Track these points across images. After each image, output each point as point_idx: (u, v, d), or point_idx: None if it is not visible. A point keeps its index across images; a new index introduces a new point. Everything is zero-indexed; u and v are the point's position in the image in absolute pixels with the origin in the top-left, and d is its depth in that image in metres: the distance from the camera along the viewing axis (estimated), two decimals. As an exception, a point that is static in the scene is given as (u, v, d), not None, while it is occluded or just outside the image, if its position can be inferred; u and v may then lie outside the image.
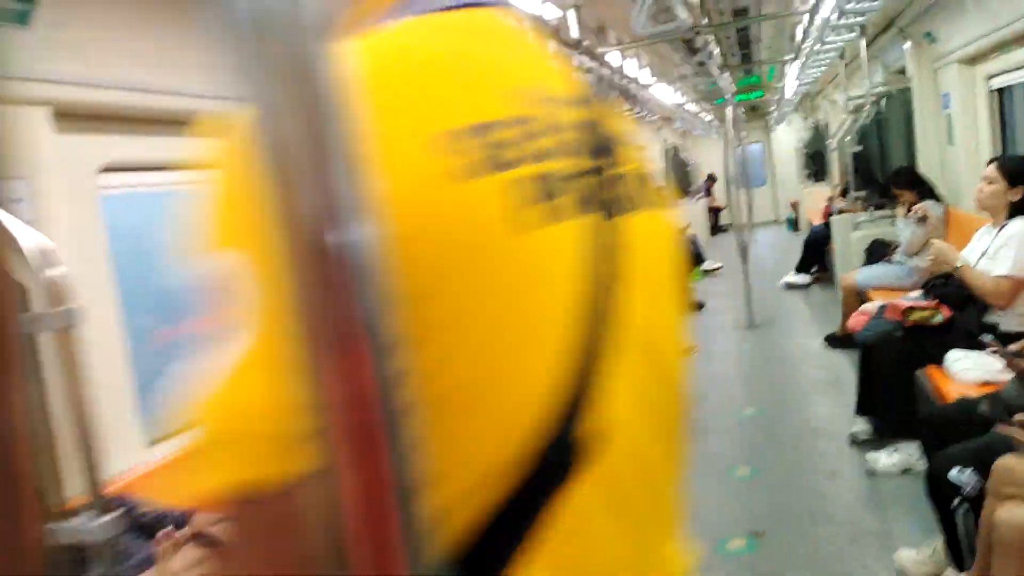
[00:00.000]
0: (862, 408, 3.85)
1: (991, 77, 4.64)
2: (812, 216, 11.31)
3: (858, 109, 7.46)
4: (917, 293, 3.65)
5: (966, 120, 4.93)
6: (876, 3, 4.13)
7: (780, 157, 16.54)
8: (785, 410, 4.54)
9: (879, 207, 6.36)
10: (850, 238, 5.86)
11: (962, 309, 3.40)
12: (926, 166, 5.48)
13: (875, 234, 5.75)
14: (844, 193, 7.68)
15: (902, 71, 6.29)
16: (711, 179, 15.77)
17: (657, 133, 12.42)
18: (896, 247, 5.41)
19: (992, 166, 3.32)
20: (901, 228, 5.29)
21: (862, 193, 6.03)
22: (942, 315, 3.42)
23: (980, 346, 3.26)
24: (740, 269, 6.90)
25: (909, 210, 5.27)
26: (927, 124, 5.51)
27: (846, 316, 5.52)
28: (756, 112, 16.30)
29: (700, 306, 7.91)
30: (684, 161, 13.88)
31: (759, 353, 5.87)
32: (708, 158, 15.54)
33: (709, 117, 13.59)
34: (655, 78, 6.67)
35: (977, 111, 4.85)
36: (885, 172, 6.72)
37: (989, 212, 3.34)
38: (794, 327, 6.63)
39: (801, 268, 8.37)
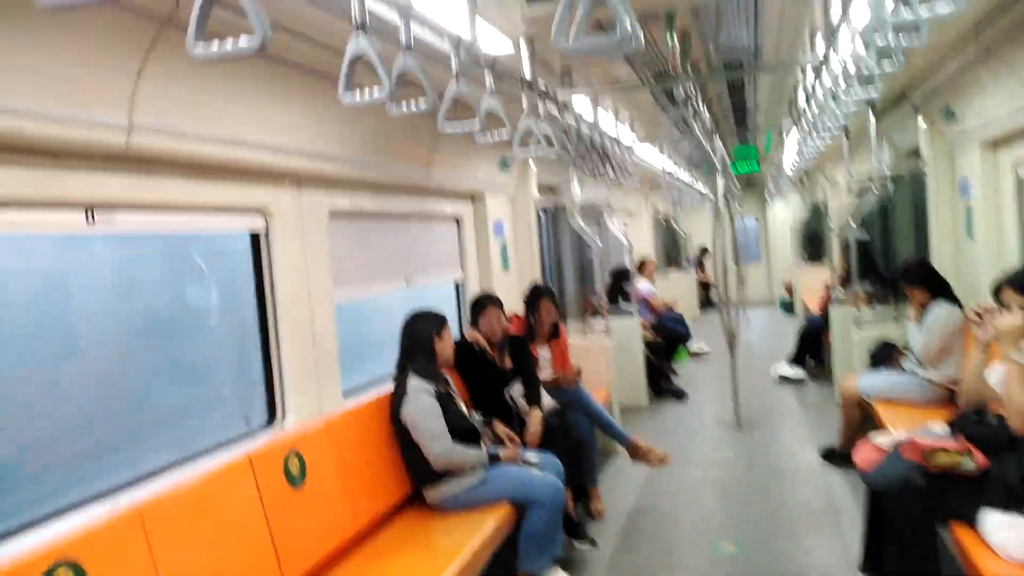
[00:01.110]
0: (869, 564, 3.04)
1: (1020, 165, 3.98)
2: (808, 301, 10.63)
3: (863, 191, 6.83)
4: (941, 429, 2.87)
5: (988, 211, 4.25)
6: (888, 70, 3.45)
7: (776, 234, 15.95)
8: (771, 549, 3.72)
9: (881, 301, 5.67)
10: (851, 336, 5.12)
11: (999, 456, 2.63)
12: (939, 261, 4.79)
13: (880, 334, 5.01)
14: (844, 282, 6.99)
15: (915, 152, 5.67)
16: (703, 252, 15.18)
17: (646, 200, 11.83)
18: (905, 352, 4.68)
19: (1007, 289, 2.60)
20: (912, 331, 4.56)
21: (867, 286, 5.32)
22: (975, 462, 2.65)
23: (1020, 505, 2.50)
24: (727, 354, 6.15)
25: (922, 310, 4.56)
26: (942, 213, 4.84)
27: (847, 428, 4.76)
28: (752, 186, 15.78)
29: (682, 395, 7.13)
30: (675, 232, 13.28)
31: (744, 465, 5.06)
32: (701, 231, 14.94)
33: (703, 189, 13.03)
34: (635, 135, 6.02)
35: (1002, 201, 4.17)
36: (889, 263, 6.05)
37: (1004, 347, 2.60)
38: (786, 432, 5.84)
39: (795, 360, 7.62)
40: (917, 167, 5.23)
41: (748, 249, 15.35)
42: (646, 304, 8.31)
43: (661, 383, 7.21)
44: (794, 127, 6.75)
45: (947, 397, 4.41)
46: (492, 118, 2.82)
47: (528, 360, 4.21)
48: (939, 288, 4.51)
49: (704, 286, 14.93)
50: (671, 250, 14.35)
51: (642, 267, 8.57)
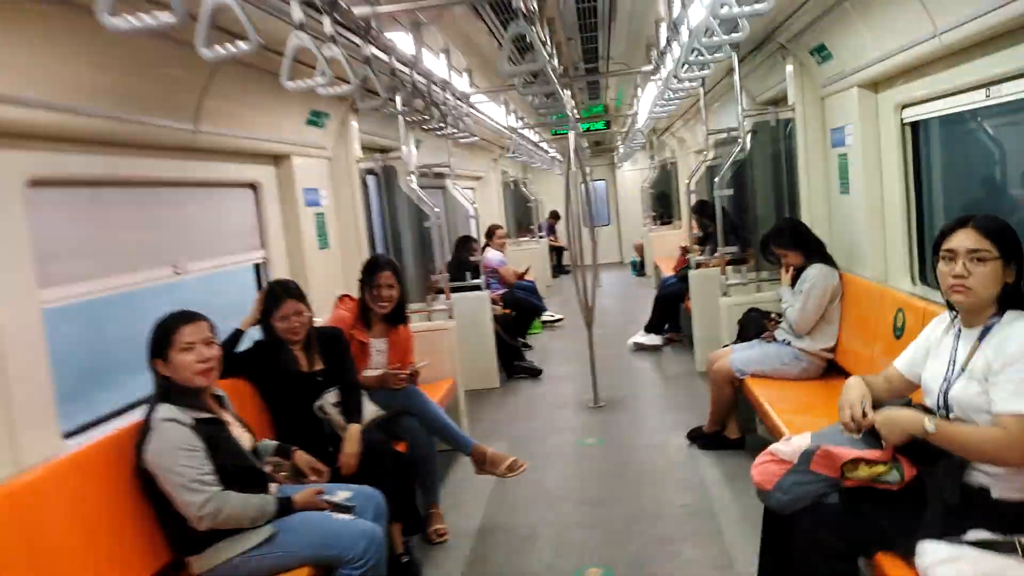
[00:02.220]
0: (766, 597, 2.46)
1: (905, 107, 3.52)
2: (661, 264, 10.36)
3: (720, 144, 6.39)
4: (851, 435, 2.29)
5: (867, 161, 3.80)
6: (764, 5, 2.80)
7: (625, 196, 15.80)
8: (647, 572, 3.10)
9: (738, 262, 5.23)
10: (719, 306, 4.61)
11: (932, 465, 2.08)
12: (811, 220, 4.35)
13: (749, 302, 4.53)
14: (702, 243, 6.58)
15: (772, 102, 5.23)
16: (554, 217, 14.74)
17: (495, 164, 11.11)
18: (778, 322, 4.21)
19: (972, 232, 2.01)
20: (785, 297, 4.09)
21: (734, 249, 4.82)
22: (901, 472, 2.09)
23: (962, 527, 1.96)
24: (584, 330, 5.55)
25: (796, 275, 4.09)
26: (812, 166, 4.39)
27: (718, 408, 4.26)
28: (600, 148, 15.49)
29: (537, 373, 6.50)
30: (525, 197, 12.69)
31: (607, 457, 4.46)
32: (551, 195, 14.47)
33: (552, 151, 12.49)
34: (474, 88, 5.21)
35: (883, 150, 3.73)
36: (745, 222, 5.64)
37: (971, 307, 2.05)
38: (649, 410, 5.32)
39: (652, 328, 7.19)
40: (773, 119, 4.75)
41: (598, 212, 15.03)
42: (496, 275, 7.60)
43: (514, 361, 6.54)
44: (650, 80, 6.20)
45: (824, 368, 3.99)
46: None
47: (345, 360, 3.34)
48: (813, 250, 4.06)
49: (557, 251, 14.53)
50: (522, 216, 13.79)
51: (491, 235, 7.84)
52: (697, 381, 5.87)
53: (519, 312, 7.66)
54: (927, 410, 2.10)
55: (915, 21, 2.91)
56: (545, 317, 8.84)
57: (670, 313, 7.23)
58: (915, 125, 3.57)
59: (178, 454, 2.23)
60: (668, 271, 9.00)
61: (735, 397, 4.17)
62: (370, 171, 5.73)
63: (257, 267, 3.97)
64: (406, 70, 3.45)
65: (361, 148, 4.90)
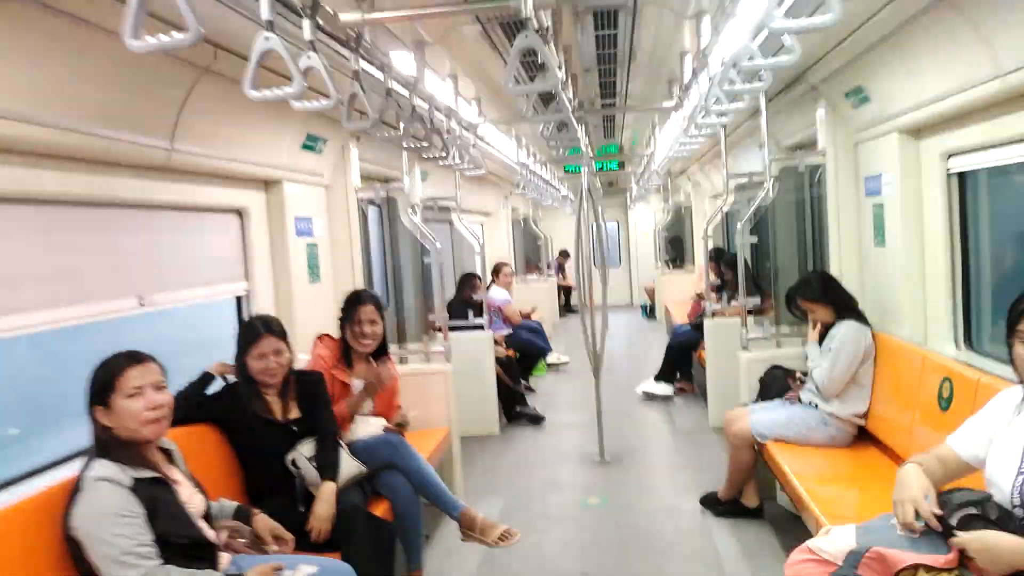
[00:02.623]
0: None
1: (951, 155, 3.21)
2: (671, 309, 10.03)
3: (740, 189, 6.11)
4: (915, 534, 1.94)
5: (907, 212, 3.49)
6: (789, 58, 2.51)
7: (637, 238, 15.51)
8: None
9: (755, 312, 4.88)
10: (737, 359, 4.26)
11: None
12: (841, 272, 4.02)
13: (771, 358, 4.19)
14: (718, 291, 6.25)
15: (799, 147, 4.94)
16: (564, 255, 14.46)
17: (505, 200, 10.87)
18: (802, 380, 3.86)
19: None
20: (812, 355, 3.75)
21: (756, 300, 4.49)
22: (970, 584, 1.74)
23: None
24: (590, 375, 5.20)
25: (824, 332, 3.76)
26: (844, 215, 4.08)
27: (736, 474, 3.90)
28: (613, 188, 15.25)
29: (539, 420, 6.14)
30: (535, 234, 12.42)
31: (612, 522, 4.08)
32: (561, 234, 14.20)
33: (564, 190, 12.25)
34: (482, 118, 4.93)
35: (925, 201, 3.41)
36: (766, 272, 5.31)
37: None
38: (658, 468, 4.94)
39: (663, 376, 6.83)
40: (801, 164, 4.46)
41: (609, 253, 14.74)
42: (500, 314, 7.28)
43: (516, 407, 6.18)
44: (669, 118, 5.94)
45: (853, 435, 3.63)
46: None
47: (323, 409, 3.01)
48: (844, 305, 3.73)
49: (565, 291, 14.22)
50: (531, 253, 13.51)
51: (497, 273, 7.54)
52: (711, 437, 5.50)
53: (523, 354, 7.32)
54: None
55: (973, 62, 2.62)
56: (550, 359, 8.49)
57: (682, 362, 6.88)
58: (962, 176, 3.26)
59: (111, 521, 1.90)
60: (679, 316, 8.67)
61: (755, 462, 3.81)
62: (371, 201, 5.46)
63: (239, 300, 3.66)
64: (404, 91, 3.17)
65: (361, 177, 4.63)
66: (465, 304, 6.15)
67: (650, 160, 6.81)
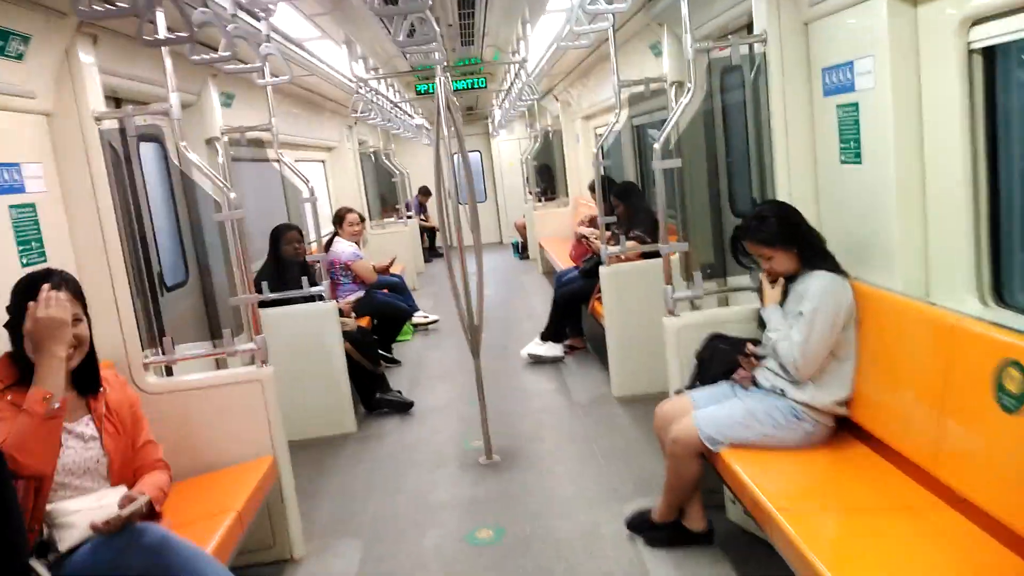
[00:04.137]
0: None
1: (973, 24, 2.17)
2: (548, 249, 8.97)
3: (638, 101, 5.02)
4: None
5: (902, 113, 2.47)
6: None
7: (502, 170, 14.31)
8: None
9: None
10: (663, 330, 3.16)
11: None
12: (789, 202, 2.96)
13: (707, 323, 3.12)
14: (617, 230, 5.17)
15: (717, 35, 3.84)
16: (424, 193, 13.07)
17: (350, 132, 9.30)
18: (759, 357, 2.82)
19: None
20: (773, 321, 2.72)
21: (684, 246, 3.36)
22: None
23: None
24: (465, 335, 4.00)
25: (785, 289, 2.73)
26: (793, 123, 3.02)
27: (676, 491, 2.86)
28: (473, 114, 13.90)
29: (406, 407, 4.91)
30: (390, 171, 10.92)
31: (511, 570, 2.95)
32: (420, 169, 12.75)
33: (418, 119, 10.79)
34: (309, 23, 3.52)
35: (927, 94, 2.40)
36: (688, 206, 4.28)
37: None
38: (562, 466, 3.85)
39: (550, 335, 5.75)
40: (736, 55, 3.36)
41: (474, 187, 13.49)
42: (349, 273, 5.91)
43: (376, 393, 4.91)
44: (541, 15, 4.68)
45: (834, 429, 2.66)
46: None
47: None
48: (813, 250, 2.69)
49: (429, 232, 12.88)
50: (388, 193, 12.02)
51: (340, 221, 6.10)
52: (616, 410, 4.50)
53: (382, 319, 6.02)
54: None
55: None
56: (417, 319, 7.23)
57: (570, 315, 5.82)
58: (990, 53, 2.24)
59: None
60: (560, 258, 7.62)
61: (701, 474, 2.77)
62: (147, 136, 3.92)
63: None
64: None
65: (114, 99, 3.13)
66: (284, 268, 4.72)
67: (519, 71, 5.54)
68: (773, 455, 2.59)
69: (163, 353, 3.05)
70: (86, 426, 2.15)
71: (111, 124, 3.00)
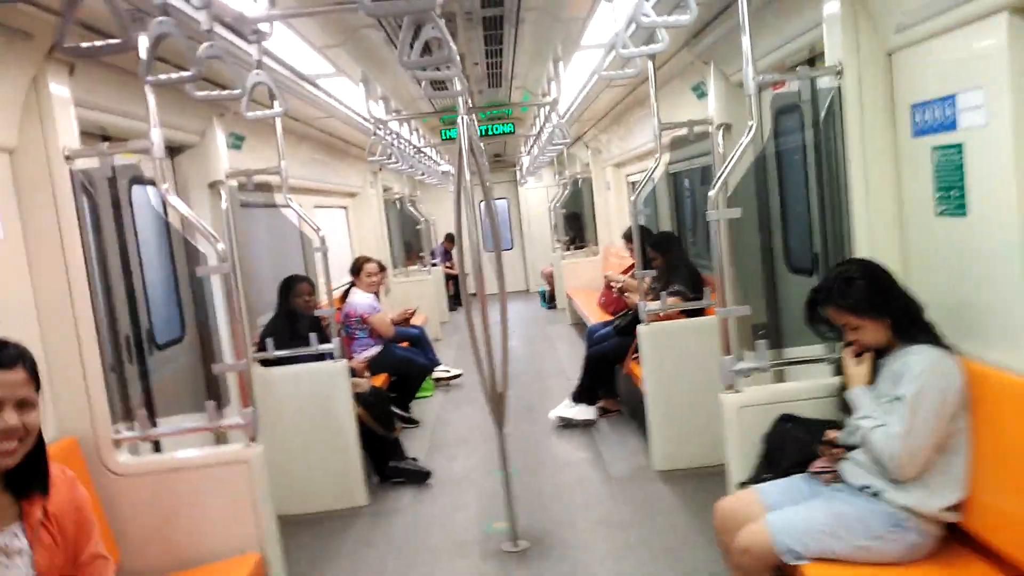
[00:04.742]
0: None
1: None
2: (577, 299, 8.53)
3: (680, 146, 4.63)
4: None
5: (1021, 155, 2.01)
6: None
7: (529, 218, 13.96)
8: None
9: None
10: (730, 408, 2.67)
11: None
12: (880, 254, 2.50)
13: (772, 398, 2.63)
14: (662, 283, 4.73)
15: (778, 67, 3.43)
16: (450, 240, 12.73)
17: (374, 179, 9.01)
18: (843, 449, 2.33)
19: None
20: (863, 405, 2.23)
21: (744, 308, 2.87)
22: None
23: None
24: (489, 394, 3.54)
25: (860, 353, 2.26)
26: (875, 169, 2.57)
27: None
28: (500, 161, 13.63)
29: (423, 477, 4.43)
30: (415, 217, 10.60)
31: None
32: (446, 216, 12.42)
33: (444, 165, 10.50)
34: (320, 57, 3.19)
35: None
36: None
37: None
38: (598, 558, 3.33)
39: (581, 395, 5.26)
40: (807, 88, 2.94)
41: (500, 234, 13.11)
42: (365, 328, 5.50)
43: (389, 461, 4.45)
44: (574, 51, 4.32)
45: (941, 539, 2.15)
46: None
47: None
48: (910, 319, 2.22)
49: (454, 280, 12.51)
50: (414, 240, 11.70)
51: (357, 271, 5.72)
52: (658, 487, 3.99)
53: (400, 378, 5.59)
54: None
55: None
56: (438, 373, 6.78)
57: (604, 375, 5.34)
58: None
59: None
60: (590, 310, 7.17)
61: (775, 589, 2.26)
62: (142, 179, 3.60)
63: None
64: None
65: (92, 136, 2.79)
66: (294, 322, 4.33)
67: (549, 114, 5.17)
68: (868, 572, 2.09)
69: (138, 427, 2.63)
70: (14, 537, 1.72)
71: (89, 164, 2.64)
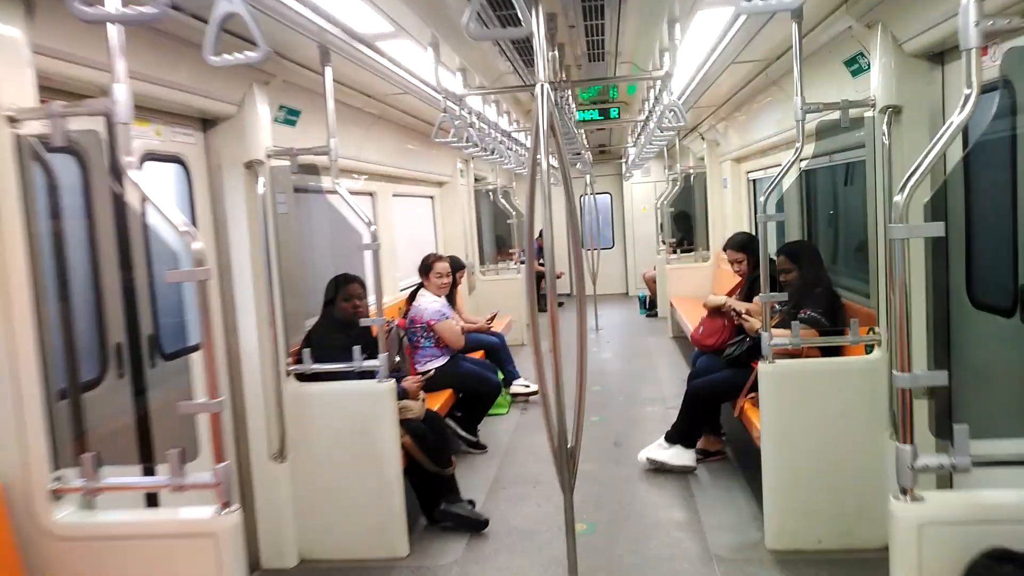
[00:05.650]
0: None
1: None
2: (682, 309, 7.58)
3: (825, 134, 3.72)
4: None
5: None
6: None
7: (634, 216, 12.99)
8: None
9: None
10: (905, 524, 1.77)
11: None
12: None
13: (980, 513, 1.72)
14: (782, 307, 3.80)
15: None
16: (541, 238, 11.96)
17: (465, 167, 8.35)
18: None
19: None
20: None
21: (940, 374, 1.94)
22: None
23: None
24: (572, 411, 2.75)
25: None
26: None
27: None
28: (605, 153, 12.73)
29: (479, 525, 3.69)
30: (507, 211, 9.88)
31: None
32: (544, 209, 11.66)
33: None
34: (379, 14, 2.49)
35: None
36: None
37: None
38: None
39: (678, 436, 4.37)
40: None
41: (600, 233, 12.21)
42: (431, 335, 4.81)
43: (440, 503, 3.73)
44: (693, 13, 3.44)
45: None
46: None
47: None
48: None
49: (539, 278, 11.73)
50: (506, 236, 11.02)
51: (427, 271, 5.03)
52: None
53: (467, 395, 4.88)
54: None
55: None
56: (516, 387, 6.03)
57: (708, 412, 4.44)
58: None
59: None
60: (693, 321, 6.22)
61: None
62: (164, 155, 3.01)
63: None
64: None
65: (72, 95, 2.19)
66: (334, 329, 3.67)
67: (661, 93, 4.27)
68: None
69: (82, 476, 1.99)
70: None
71: (41, 126, 2.02)
